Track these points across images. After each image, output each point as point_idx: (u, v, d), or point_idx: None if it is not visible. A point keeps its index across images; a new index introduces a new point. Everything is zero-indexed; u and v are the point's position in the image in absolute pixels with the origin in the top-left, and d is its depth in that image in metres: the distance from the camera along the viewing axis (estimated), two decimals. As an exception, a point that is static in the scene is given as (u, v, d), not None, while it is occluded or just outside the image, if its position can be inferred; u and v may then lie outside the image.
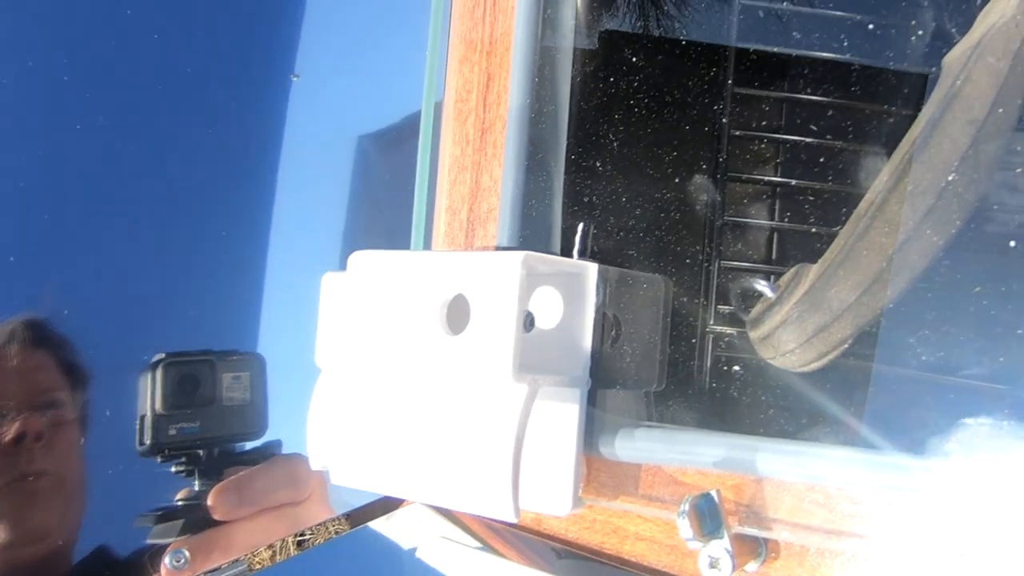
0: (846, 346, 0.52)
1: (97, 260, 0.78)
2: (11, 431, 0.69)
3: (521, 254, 0.50)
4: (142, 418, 0.73)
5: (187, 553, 0.62)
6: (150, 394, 0.73)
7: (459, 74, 0.65)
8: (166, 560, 0.62)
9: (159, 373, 0.73)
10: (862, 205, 0.52)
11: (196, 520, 0.69)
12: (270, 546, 0.68)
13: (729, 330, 0.69)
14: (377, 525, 0.74)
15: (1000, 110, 0.52)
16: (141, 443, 0.73)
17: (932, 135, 0.51)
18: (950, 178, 0.49)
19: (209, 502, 0.70)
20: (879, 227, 0.50)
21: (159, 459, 0.73)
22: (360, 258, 0.58)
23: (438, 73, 0.70)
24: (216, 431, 0.75)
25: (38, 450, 0.70)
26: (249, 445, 0.77)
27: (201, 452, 0.74)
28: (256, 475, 0.74)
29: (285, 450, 0.77)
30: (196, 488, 0.73)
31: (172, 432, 0.73)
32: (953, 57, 0.56)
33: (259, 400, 0.78)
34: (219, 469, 0.74)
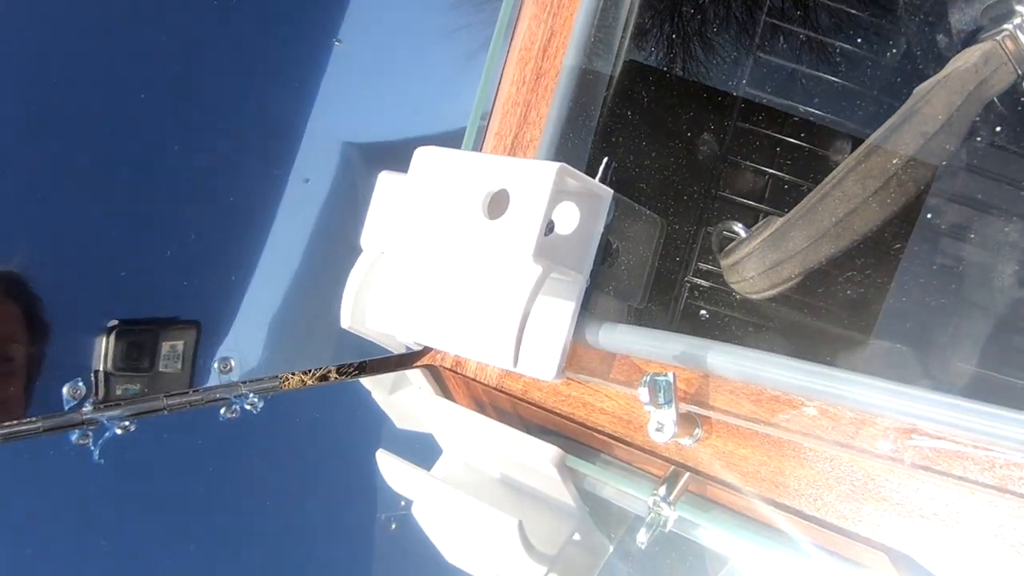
0: (793, 282, 0.66)
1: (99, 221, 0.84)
2: None
3: (558, 164, 0.63)
4: (95, 372, 0.76)
5: (232, 363, 0.74)
6: (103, 354, 0.77)
7: (528, 28, 0.78)
8: (215, 364, 0.73)
9: (112, 337, 0.77)
10: (827, 178, 0.66)
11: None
12: (304, 373, 0.80)
13: (704, 283, 0.83)
14: (381, 396, 0.87)
15: (946, 130, 0.66)
16: (95, 394, 0.76)
17: (891, 136, 0.65)
18: (897, 170, 0.63)
19: None
20: (836, 195, 0.64)
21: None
22: (423, 153, 0.71)
23: (508, 19, 0.82)
24: (151, 394, 0.78)
25: None
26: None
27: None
28: None
29: (233, 355, 0.81)
30: None
31: (119, 392, 0.77)
32: (923, 86, 0.71)
33: (187, 367, 0.80)
34: None
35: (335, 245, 0.93)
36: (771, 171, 0.85)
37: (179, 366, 0.78)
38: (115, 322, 0.78)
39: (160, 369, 0.78)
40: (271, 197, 0.98)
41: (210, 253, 0.84)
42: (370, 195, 0.80)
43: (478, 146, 0.81)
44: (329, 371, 0.82)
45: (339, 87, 1.04)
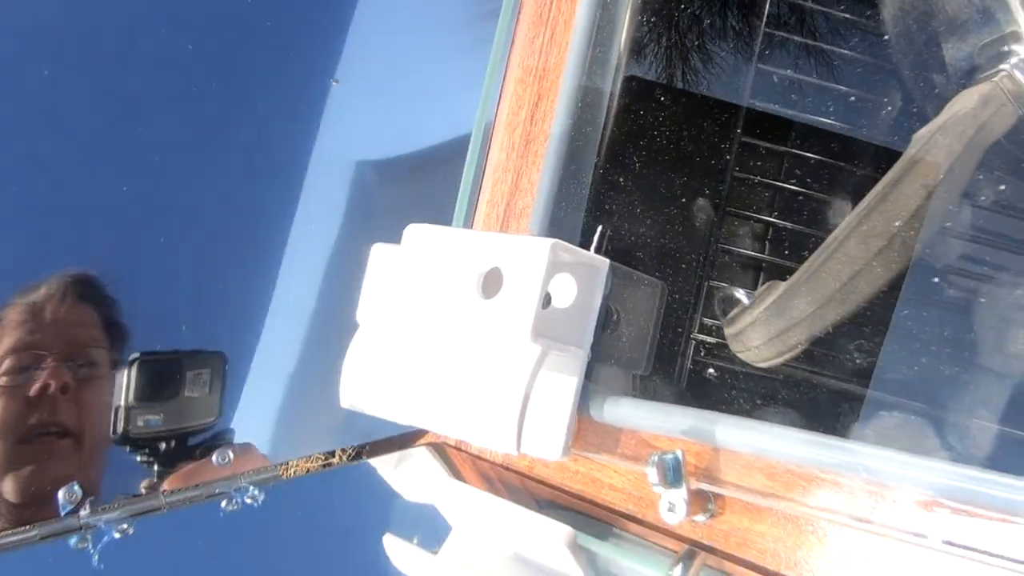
0: (799, 349, 0.64)
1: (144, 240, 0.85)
2: (38, 381, 0.72)
3: (551, 240, 0.61)
4: (116, 409, 0.77)
5: (231, 454, 0.73)
6: (125, 388, 0.78)
7: (514, 92, 0.77)
8: (213, 457, 0.72)
9: (133, 370, 0.78)
10: (828, 239, 0.64)
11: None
12: (306, 459, 0.79)
13: (710, 339, 0.81)
14: (387, 471, 0.85)
15: (949, 180, 0.64)
16: (114, 432, 0.78)
17: (892, 191, 0.63)
18: (900, 227, 0.61)
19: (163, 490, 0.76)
20: (839, 258, 0.62)
21: (128, 449, 0.79)
22: (414, 230, 0.69)
23: (494, 91, 0.81)
24: (175, 423, 0.80)
25: (63, 403, 0.73)
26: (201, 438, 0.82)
27: (162, 444, 0.79)
28: (203, 468, 0.78)
29: (236, 439, 0.82)
30: (155, 478, 0.78)
31: (140, 423, 0.78)
32: (921, 133, 0.69)
33: (215, 393, 0.82)
34: (174, 461, 0.79)
35: (331, 320, 0.92)
36: (771, 219, 0.83)
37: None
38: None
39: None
40: (263, 267, 0.97)
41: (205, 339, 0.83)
42: (365, 263, 0.78)
43: (471, 214, 0.80)
44: (332, 455, 0.80)
45: (337, 137, 1.04)
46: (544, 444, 0.65)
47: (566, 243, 0.64)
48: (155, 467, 0.79)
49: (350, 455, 0.81)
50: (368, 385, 0.71)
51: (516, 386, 0.61)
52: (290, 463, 0.79)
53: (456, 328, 0.66)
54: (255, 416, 0.83)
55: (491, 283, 0.64)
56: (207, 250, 0.92)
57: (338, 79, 1.08)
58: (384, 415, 0.69)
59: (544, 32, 0.76)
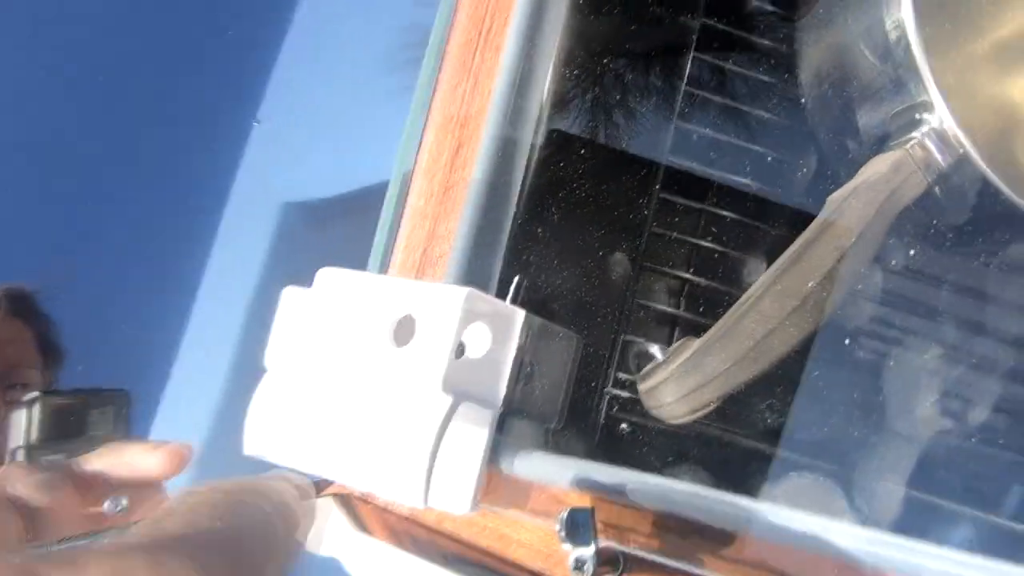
0: (712, 406, 0.64)
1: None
2: None
3: (466, 289, 0.60)
4: (14, 450, 0.76)
5: (124, 502, 0.69)
6: (26, 427, 0.76)
7: (434, 139, 0.76)
8: (105, 505, 0.68)
9: (35, 408, 0.76)
10: (743, 297, 0.65)
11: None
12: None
13: (624, 394, 0.81)
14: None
15: (861, 244, 0.65)
16: None
17: (806, 252, 0.64)
18: (814, 288, 0.62)
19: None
20: (753, 316, 0.63)
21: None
22: (327, 274, 0.68)
23: (414, 136, 0.80)
24: None
25: None
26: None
27: None
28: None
29: None
30: None
31: (43, 463, 0.73)
32: (834, 196, 0.70)
33: (120, 432, 0.81)
34: None
35: (243, 362, 0.90)
36: (688, 276, 0.84)
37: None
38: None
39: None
40: (178, 306, 0.95)
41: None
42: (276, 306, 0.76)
43: (387, 258, 0.78)
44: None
45: (258, 178, 1.03)
46: (452, 498, 0.64)
47: (481, 293, 0.63)
48: None
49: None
50: (273, 433, 0.68)
51: (425, 438, 0.60)
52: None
53: (366, 376, 0.64)
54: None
55: (403, 331, 0.63)
56: (119, 286, 0.91)
57: (260, 119, 1.07)
58: (288, 464, 0.67)
59: (467, 80, 0.75)
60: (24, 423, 0.76)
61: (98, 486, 0.69)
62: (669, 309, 0.83)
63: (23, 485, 0.63)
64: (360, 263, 0.78)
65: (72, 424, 0.77)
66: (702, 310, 0.84)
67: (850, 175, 0.74)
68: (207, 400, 0.88)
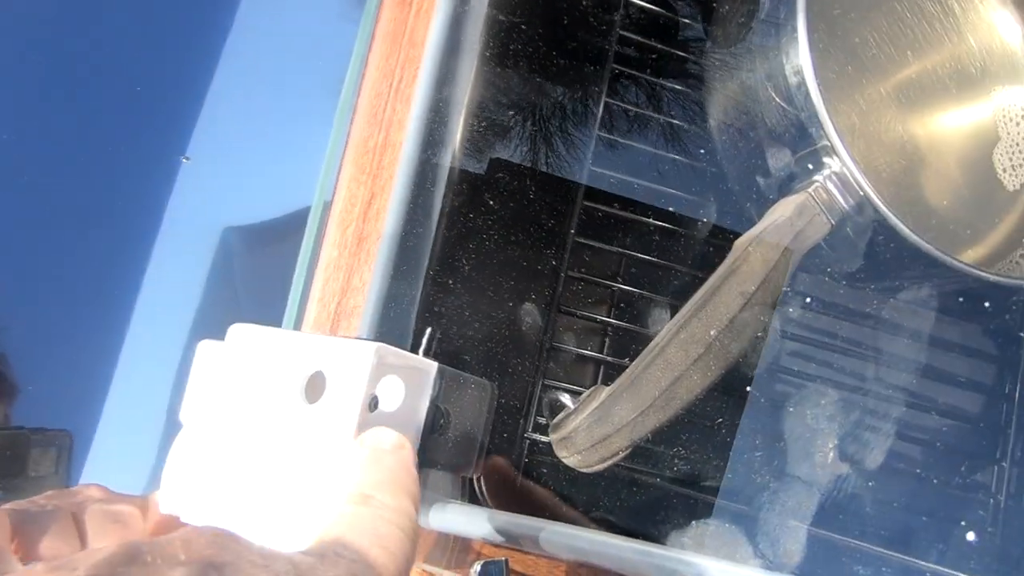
0: (622, 454, 0.65)
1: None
2: None
3: (375, 344, 0.60)
4: None
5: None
6: None
7: (348, 189, 0.76)
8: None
9: None
10: (650, 345, 0.66)
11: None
12: None
13: (544, 438, 0.81)
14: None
15: (765, 289, 0.67)
16: None
17: (711, 299, 0.65)
18: (718, 335, 0.63)
19: None
20: (659, 364, 0.64)
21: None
22: (238, 329, 0.67)
23: (328, 186, 0.80)
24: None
25: None
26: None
27: None
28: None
29: None
30: None
31: None
32: (740, 240, 0.72)
33: (62, 473, 0.80)
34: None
35: (176, 404, 0.89)
36: (606, 319, 0.85)
37: None
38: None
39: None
40: (107, 346, 0.94)
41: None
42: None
43: (303, 311, 0.78)
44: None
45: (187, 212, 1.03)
46: (368, 553, 0.63)
47: (392, 347, 0.63)
48: None
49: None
50: (188, 490, 0.68)
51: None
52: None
53: (279, 434, 0.64)
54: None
55: (314, 387, 0.63)
56: (50, 321, 0.89)
57: (188, 156, 1.07)
58: (202, 524, 0.66)
59: (378, 132, 0.76)
60: None
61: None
62: (589, 352, 0.84)
63: None
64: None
65: (12, 463, 0.76)
66: (623, 352, 0.85)
67: (762, 215, 0.75)
68: (144, 446, 0.87)
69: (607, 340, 0.88)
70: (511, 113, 0.79)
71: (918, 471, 0.81)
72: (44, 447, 0.79)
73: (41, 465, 0.78)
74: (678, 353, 0.63)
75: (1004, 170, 0.86)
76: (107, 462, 0.84)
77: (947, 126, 0.87)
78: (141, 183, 1.04)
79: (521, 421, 0.80)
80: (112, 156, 1.01)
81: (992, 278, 0.74)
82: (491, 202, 0.76)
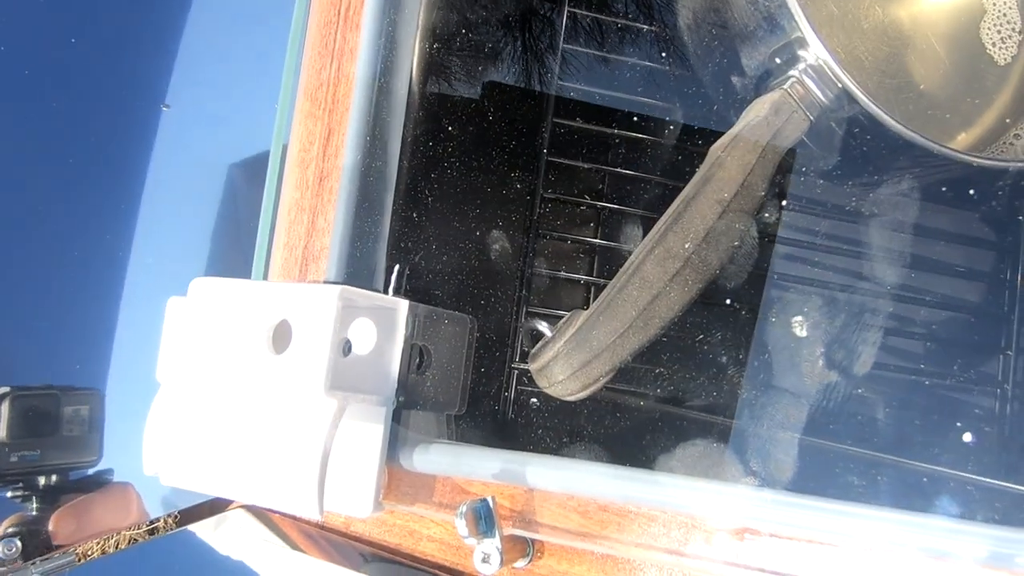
0: (604, 380, 0.62)
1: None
2: None
3: (338, 288, 0.58)
4: None
5: (18, 543, 0.67)
6: None
7: (304, 126, 0.73)
8: None
9: (5, 405, 0.74)
10: (625, 264, 0.63)
11: (36, 544, 0.73)
12: (102, 539, 0.73)
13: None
14: (205, 532, 0.80)
15: (744, 195, 0.64)
16: None
17: (686, 210, 0.62)
18: (695, 248, 0.60)
19: (51, 527, 0.72)
20: (635, 283, 0.61)
21: (-1, 485, 0.75)
22: (200, 284, 0.65)
23: (287, 122, 0.77)
24: (55, 459, 0.77)
25: None
26: (82, 473, 0.79)
27: (40, 479, 0.76)
28: (92, 503, 0.76)
29: (116, 478, 0.79)
30: (33, 512, 0.74)
31: (13, 459, 0.74)
32: (716, 145, 0.68)
33: (96, 432, 0.80)
34: (55, 495, 0.75)
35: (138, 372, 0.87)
36: (587, 239, 0.82)
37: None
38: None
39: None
40: (82, 312, 0.93)
41: None
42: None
43: (270, 257, 0.76)
44: (156, 521, 0.75)
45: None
46: (353, 502, 0.62)
47: (356, 288, 0.60)
48: (34, 503, 0.75)
49: (176, 519, 0.76)
50: (169, 452, 0.66)
51: (313, 445, 0.58)
52: (121, 533, 0.74)
53: (249, 387, 0.62)
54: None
55: (281, 337, 0.61)
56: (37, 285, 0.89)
57: (168, 104, 1.06)
58: (185, 485, 0.65)
59: (330, 64, 0.72)
60: None
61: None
62: (571, 275, 0.82)
63: None
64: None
65: (45, 422, 0.76)
66: (608, 270, 0.82)
67: (738, 117, 0.72)
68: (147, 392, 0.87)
69: (595, 261, 0.85)
70: (468, 32, 0.75)
71: (922, 365, 0.78)
72: (76, 406, 0.78)
73: (75, 425, 0.78)
74: (655, 270, 0.60)
75: (993, 44, 0.81)
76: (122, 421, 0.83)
77: (930, 5, 0.82)
78: (127, 132, 1.03)
79: (508, 351, 0.78)
80: (97, 106, 1.01)
81: (985, 163, 0.70)
82: (451, 128, 0.73)
